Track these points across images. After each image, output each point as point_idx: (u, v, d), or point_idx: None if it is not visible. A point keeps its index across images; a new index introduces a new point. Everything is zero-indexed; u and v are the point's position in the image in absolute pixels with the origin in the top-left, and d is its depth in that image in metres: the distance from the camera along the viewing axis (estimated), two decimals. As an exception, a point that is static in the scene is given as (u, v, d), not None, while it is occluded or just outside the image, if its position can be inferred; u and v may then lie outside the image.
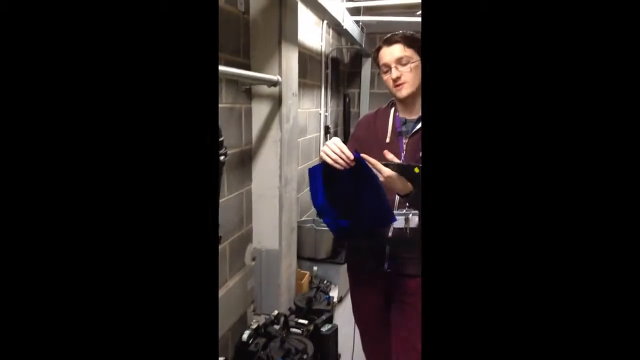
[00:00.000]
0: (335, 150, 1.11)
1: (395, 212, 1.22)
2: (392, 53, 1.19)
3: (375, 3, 3.31)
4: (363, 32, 3.63)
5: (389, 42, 1.21)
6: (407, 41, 1.19)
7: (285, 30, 1.90)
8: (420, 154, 1.19)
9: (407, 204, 1.22)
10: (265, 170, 2.02)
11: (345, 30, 2.97)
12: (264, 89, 1.91)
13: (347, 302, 2.39)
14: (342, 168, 1.11)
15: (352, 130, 1.69)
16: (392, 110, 1.30)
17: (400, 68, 1.19)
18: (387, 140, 1.27)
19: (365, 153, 1.27)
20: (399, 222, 1.23)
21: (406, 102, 1.24)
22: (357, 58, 4.05)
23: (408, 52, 1.18)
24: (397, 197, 1.22)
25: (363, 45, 3.68)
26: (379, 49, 1.25)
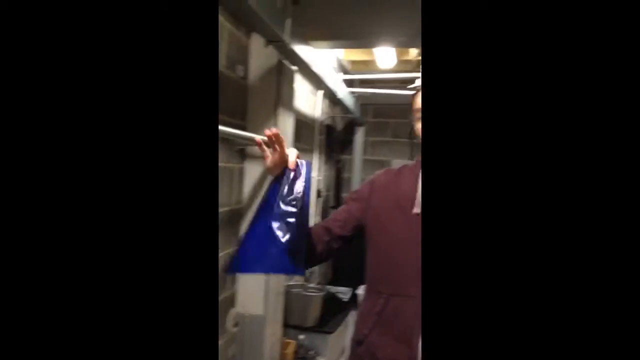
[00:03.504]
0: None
1: None
2: None
3: (369, 76, 3.49)
4: (357, 103, 3.79)
5: None
6: None
7: (282, 96, 1.97)
8: None
9: None
10: (254, 231, 1.98)
11: (340, 100, 3.10)
12: (258, 150, 1.94)
13: (333, 376, 2.24)
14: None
15: (343, 195, 1.63)
16: None
17: None
18: (417, 210, 0.92)
19: (384, 224, 0.97)
20: None
21: None
22: (351, 126, 4.18)
23: None
24: None
25: (357, 115, 3.82)
26: (419, 91, 0.99)
